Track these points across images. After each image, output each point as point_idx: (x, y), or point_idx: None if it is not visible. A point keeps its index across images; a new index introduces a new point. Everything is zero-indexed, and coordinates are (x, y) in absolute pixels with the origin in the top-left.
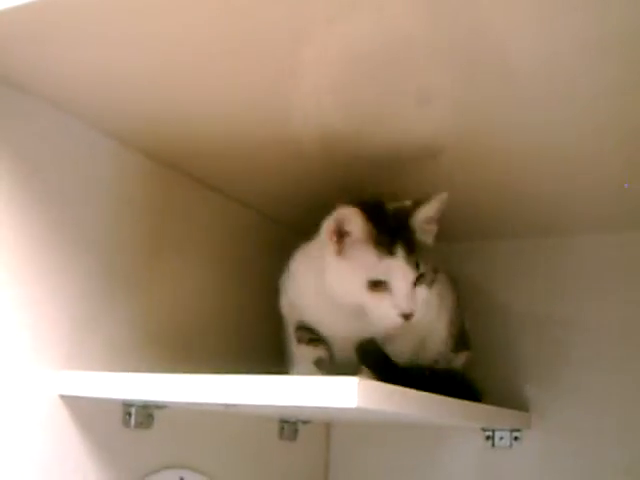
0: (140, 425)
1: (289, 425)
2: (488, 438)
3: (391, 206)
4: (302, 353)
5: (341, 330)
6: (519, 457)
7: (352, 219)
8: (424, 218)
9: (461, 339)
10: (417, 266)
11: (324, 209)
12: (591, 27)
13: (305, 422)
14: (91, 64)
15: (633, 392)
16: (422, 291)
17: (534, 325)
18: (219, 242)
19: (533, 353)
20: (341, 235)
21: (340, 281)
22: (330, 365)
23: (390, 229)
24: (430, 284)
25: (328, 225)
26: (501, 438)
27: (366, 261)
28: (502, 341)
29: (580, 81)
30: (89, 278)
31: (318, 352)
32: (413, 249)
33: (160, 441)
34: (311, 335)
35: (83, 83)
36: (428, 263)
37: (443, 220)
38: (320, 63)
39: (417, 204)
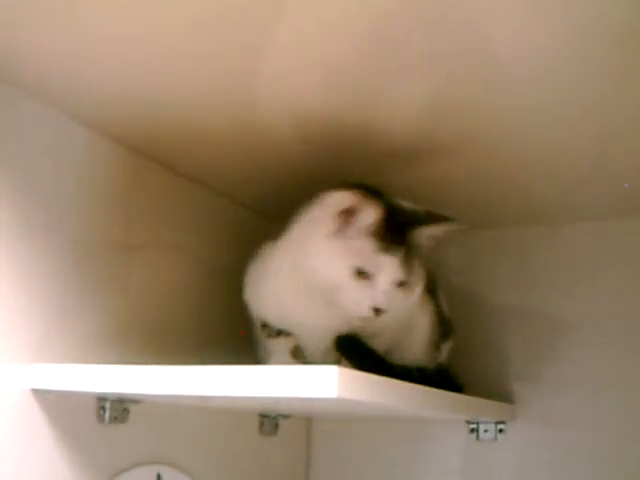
0: (115, 420)
1: (269, 420)
2: (472, 431)
3: (402, 204)
4: (276, 345)
5: (312, 319)
6: (504, 450)
7: (370, 212)
8: (432, 235)
9: (443, 329)
10: (407, 272)
11: (299, 196)
12: (576, 14)
13: (285, 417)
14: (59, 49)
15: (617, 384)
16: (399, 294)
17: (518, 317)
18: (193, 232)
19: (518, 345)
20: (346, 218)
21: (326, 260)
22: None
23: (395, 227)
24: (411, 291)
25: (337, 204)
26: (486, 431)
27: (362, 250)
28: (487, 333)
29: (564, 67)
30: (60, 270)
31: (292, 341)
32: (410, 255)
33: (136, 436)
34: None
35: (52, 69)
36: (417, 273)
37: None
38: (293, 44)
39: (429, 216)
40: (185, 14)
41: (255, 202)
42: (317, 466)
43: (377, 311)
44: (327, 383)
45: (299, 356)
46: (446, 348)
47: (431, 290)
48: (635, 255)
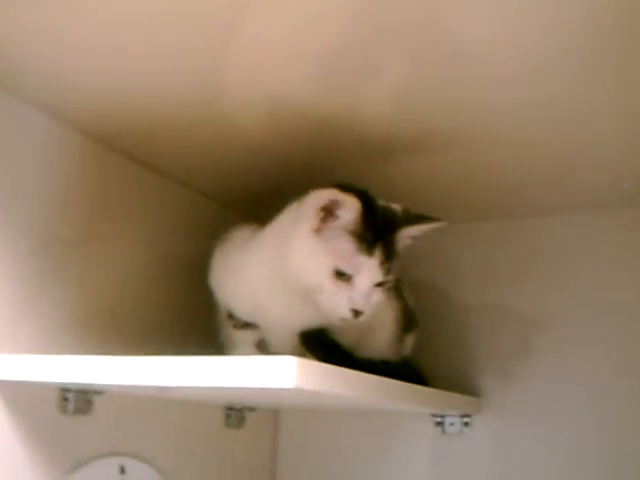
0: (78, 411)
1: (235, 412)
2: (438, 424)
3: (384, 205)
4: (241, 336)
5: (284, 315)
6: (469, 443)
7: (350, 208)
8: (411, 234)
9: (407, 322)
10: (386, 272)
11: (266, 187)
12: (552, 10)
13: (252, 409)
14: (22, 39)
15: (582, 377)
16: (379, 295)
17: (485, 311)
18: (154, 221)
19: (483, 339)
20: (327, 215)
21: (306, 259)
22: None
23: (376, 229)
24: (388, 291)
25: (318, 200)
26: (451, 424)
27: (342, 250)
28: (453, 327)
29: (537, 63)
30: (21, 260)
31: (258, 334)
32: (390, 256)
33: (99, 428)
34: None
35: (14, 58)
36: (395, 273)
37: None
38: (262, 33)
39: (409, 217)
40: (152, 4)
41: (218, 192)
42: (284, 459)
43: (356, 313)
44: (285, 373)
45: (264, 349)
46: (410, 341)
47: (396, 284)
48: (602, 250)
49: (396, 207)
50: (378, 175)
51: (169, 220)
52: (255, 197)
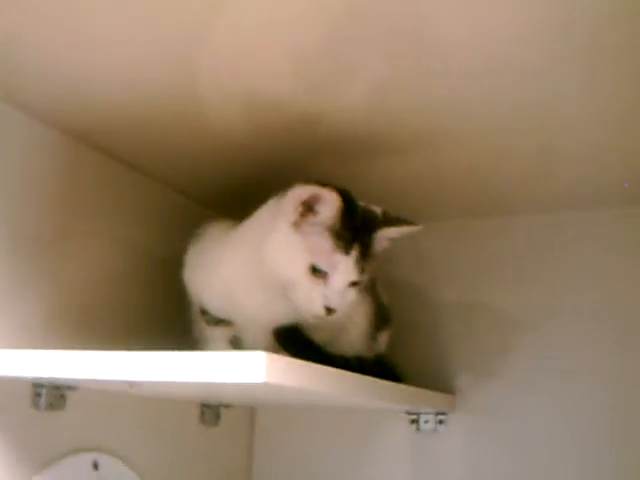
0: (51, 407)
1: (210, 409)
2: (413, 422)
3: (363, 205)
4: (215, 333)
5: (260, 312)
6: (444, 440)
7: (330, 204)
8: (388, 236)
9: (381, 319)
10: (361, 272)
11: (242, 185)
12: (529, 8)
13: (227, 406)
14: None
15: (556, 375)
16: (352, 294)
17: (460, 309)
18: (130, 219)
19: (458, 337)
20: (307, 210)
21: (283, 252)
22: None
23: (354, 227)
24: (362, 290)
25: (299, 194)
26: (426, 422)
27: (319, 247)
28: (428, 325)
29: (511, 58)
30: None
31: (232, 331)
32: (366, 255)
33: (73, 423)
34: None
35: None
36: (370, 273)
37: (371, 202)
38: (239, 29)
39: (387, 219)
40: None
41: (194, 189)
42: (260, 456)
43: (329, 310)
44: (255, 368)
45: (237, 345)
46: (384, 338)
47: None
48: (579, 249)
49: (376, 209)
50: (353, 173)
51: (144, 217)
52: (231, 194)
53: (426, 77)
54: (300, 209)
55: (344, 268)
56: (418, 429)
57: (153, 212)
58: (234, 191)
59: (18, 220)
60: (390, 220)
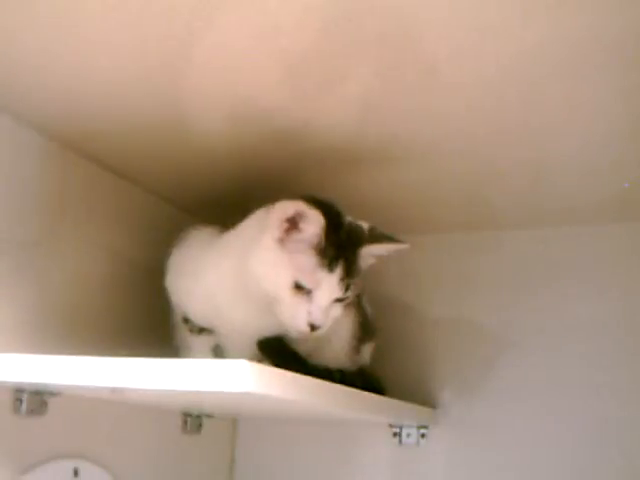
0: (32, 412)
1: (192, 419)
2: (395, 435)
3: (349, 221)
4: (197, 341)
5: (243, 322)
6: (426, 454)
7: (313, 222)
8: (374, 253)
9: (365, 332)
10: (346, 289)
11: (229, 193)
12: (516, 21)
13: (209, 416)
14: None
15: (539, 388)
16: (337, 310)
17: (443, 323)
18: (116, 225)
19: (441, 351)
20: (292, 227)
21: (268, 268)
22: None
23: (339, 244)
24: (346, 306)
25: (283, 211)
26: (408, 435)
27: (303, 264)
28: (411, 339)
29: (505, 69)
30: None
31: (214, 340)
32: (351, 272)
33: (54, 430)
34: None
35: None
36: (355, 289)
37: (355, 215)
38: (227, 38)
39: (373, 235)
40: (116, 5)
41: (179, 197)
42: (241, 467)
43: (313, 327)
44: (238, 377)
45: (220, 354)
46: (367, 351)
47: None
48: (566, 264)
49: (363, 224)
50: (339, 185)
51: (129, 224)
52: (217, 203)
53: (415, 90)
54: (285, 225)
55: (328, 286)
56: (400, 442)
57: (138, 219)
58: (220, 200)
59: (3, 224)
60: (376, 237)
